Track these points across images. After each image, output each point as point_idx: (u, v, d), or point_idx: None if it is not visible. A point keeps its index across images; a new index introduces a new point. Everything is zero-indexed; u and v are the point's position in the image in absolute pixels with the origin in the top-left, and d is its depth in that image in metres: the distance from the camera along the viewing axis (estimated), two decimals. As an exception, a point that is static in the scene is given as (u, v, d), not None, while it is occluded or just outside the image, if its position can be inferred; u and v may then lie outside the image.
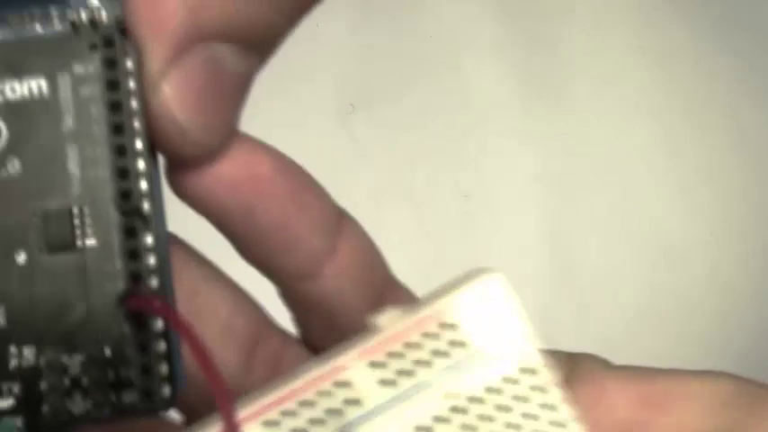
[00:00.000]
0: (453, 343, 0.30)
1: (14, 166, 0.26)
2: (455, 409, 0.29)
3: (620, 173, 0.69)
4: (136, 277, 0.26)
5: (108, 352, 0.26)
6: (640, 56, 0.69)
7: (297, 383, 0.28)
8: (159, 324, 0.25)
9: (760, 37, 0.66)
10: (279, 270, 0.31)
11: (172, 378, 0.25)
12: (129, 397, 0.26)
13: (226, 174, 0.28)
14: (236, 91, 0.28)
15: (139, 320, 0.26)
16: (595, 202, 0.69)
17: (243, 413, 0.27)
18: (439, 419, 0.29)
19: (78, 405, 0.26)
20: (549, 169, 0.70)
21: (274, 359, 0.32)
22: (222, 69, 0.27)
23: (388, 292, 0.33)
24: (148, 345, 0.25)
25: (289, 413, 0.28)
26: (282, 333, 0.33)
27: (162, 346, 0.25)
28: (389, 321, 0.29)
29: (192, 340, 0.21)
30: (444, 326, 0.30)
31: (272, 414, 0.27)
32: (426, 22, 0.72)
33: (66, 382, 0.26)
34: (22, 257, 0.26)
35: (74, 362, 0.26)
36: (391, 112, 0.71)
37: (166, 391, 0.25)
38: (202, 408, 0.27)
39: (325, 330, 0.31)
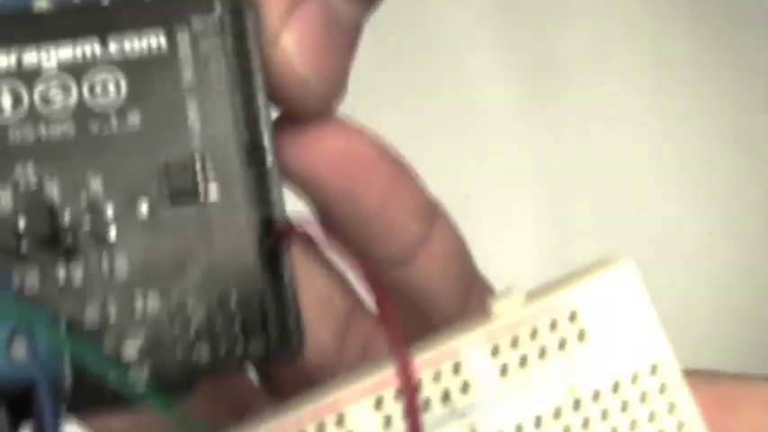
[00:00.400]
0: (580, 334, 0.29)
1: (135, 119, 0.26)
2: (577, 404, 0.29)
3: (622, 172, 0.69)
4: (269, 222, 0.25)
5: (234, 301, 0.25)
6: (641, 54, 0.70)
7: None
8: (288, 273, 0.25)
9: (763, 34, 0.67)
10: (374, 256, 0.31)
11: (299, 329, 0.25)
12: (257, 348, 0.25)
13: (329, 150, 0.28)
14: (350, 42, 0.28)
15: (270, 266, 0.25)
16: (597, 203, 0.70)
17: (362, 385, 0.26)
18: (559, 413, 0.29)
19: (204, 356, 0.25)
20: (550, 169, 0.70)
21: (366, 341, 0.32)
22: (337, 19, 0.27)
23: (474, 282, 0.33)
24: (280, 293, 0.25)
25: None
26: (373, 317, 0.33)
27: (290, 295, 0.25)
28: (511, 307, 0.29)
29: (367, 272, 0.20)
30: (571, 316, 0.29)
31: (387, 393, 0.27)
32: (427, 22, 0.72)
33: (192, 332, 0.25)
34: (144, 208, 0.26)
35: (199, 311, 0.26)
36: (392, 112, 0.71)
37: (296, 341, 0.25)
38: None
39: (409, 319, 0.31)
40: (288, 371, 0.30)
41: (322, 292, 0.30)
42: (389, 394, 0.27)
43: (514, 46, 0.72)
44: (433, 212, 0.31)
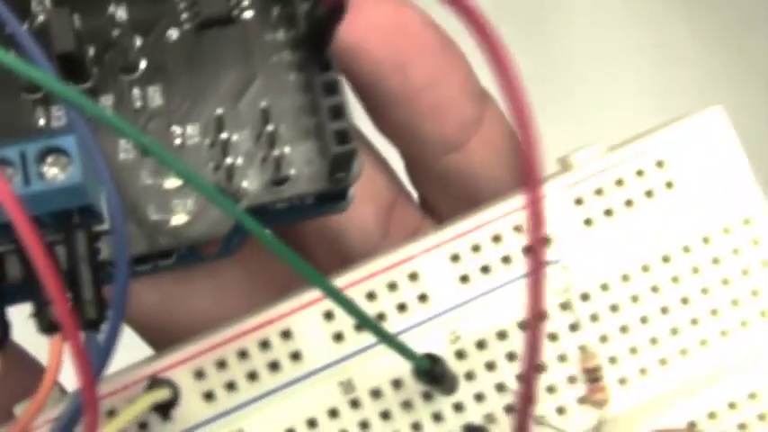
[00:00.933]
0: (668, 183, 0.27)
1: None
2: (665, 259, 0.27)
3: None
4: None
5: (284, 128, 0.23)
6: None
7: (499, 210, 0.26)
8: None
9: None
10: (426, 137, 0.28)
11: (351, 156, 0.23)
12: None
13: (377, 19, 0.26)
14: None
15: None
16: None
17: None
18: (647, 269, 0.26)
19: (253, 183, 0.23)
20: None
21: (410, 226, 0.30)
22: None
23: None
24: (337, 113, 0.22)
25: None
26: (417, 204, 0.31)
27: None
28: (592, 156, 0.27)
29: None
30: (658, 163, 0.27)
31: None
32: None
33: (240, 160, 0.23)
34: (174, 33, 0.23)
35: (242, 138, 0.23)
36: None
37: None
38: None
39: (460, 209, 0.28)
40: (329, 248, 0.28)
41: (366, 172, 0.27)
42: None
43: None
44: (483, 94, 0.29)
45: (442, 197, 0.30)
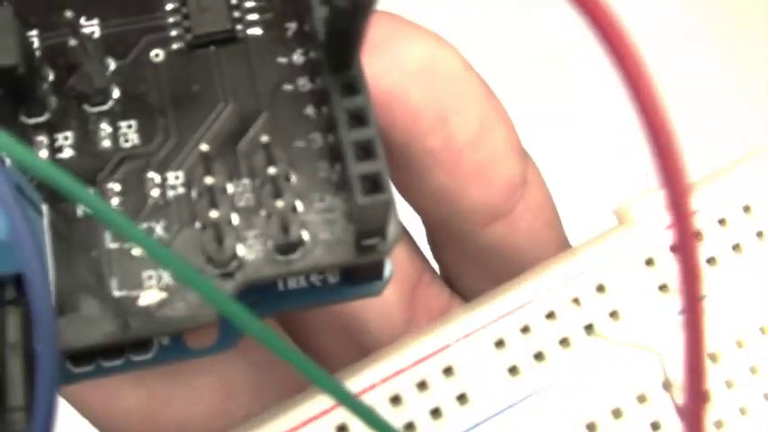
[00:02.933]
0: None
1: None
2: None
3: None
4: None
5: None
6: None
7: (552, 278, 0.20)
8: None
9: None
10: (470, 203, 0.23)
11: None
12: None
13: (413, 62, 0.20)
14: None
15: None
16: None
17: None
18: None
19: (253, 249, 0.16)
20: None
21: (436, 309, 0.25)
22: None
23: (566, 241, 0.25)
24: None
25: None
26: (440, 279, 0.25)
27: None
28: (651, 207, 0.21)
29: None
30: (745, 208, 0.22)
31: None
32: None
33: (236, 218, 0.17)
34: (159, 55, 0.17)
35: (240, 190, 0.17)
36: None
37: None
38: None
39: (496, 281, 0.23)
40: (344, 336, 0.23)
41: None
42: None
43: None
44: (524, 149, 0.23)
45: (478, 273, 0.24)
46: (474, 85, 0.21)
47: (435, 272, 0.25)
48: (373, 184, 0.15)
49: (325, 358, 0.24)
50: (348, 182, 0.16)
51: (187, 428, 0.21)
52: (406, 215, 0.23)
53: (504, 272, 0.23)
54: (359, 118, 0.16)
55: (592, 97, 0.54)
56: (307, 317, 0.23)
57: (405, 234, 0.24)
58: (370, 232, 0.16)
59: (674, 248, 0.21)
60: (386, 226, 0.16)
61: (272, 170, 0.16)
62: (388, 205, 0.15)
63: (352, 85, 0.16)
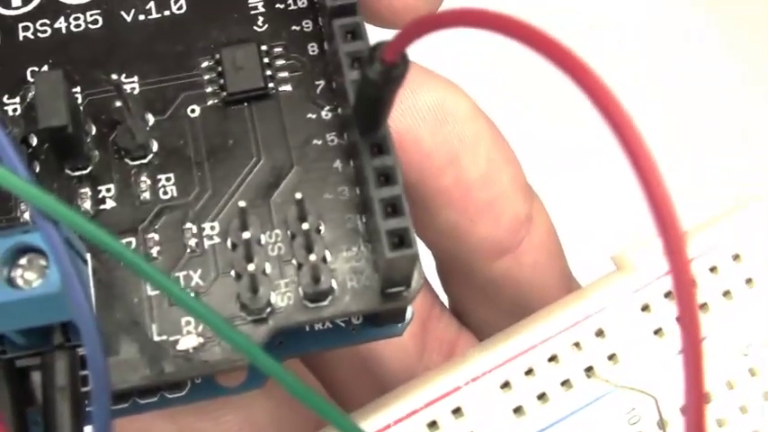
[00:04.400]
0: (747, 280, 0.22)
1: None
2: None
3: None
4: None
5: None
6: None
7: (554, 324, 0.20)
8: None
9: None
10: (478, 239, 0.23)
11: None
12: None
13: (425, 105, 0.21)
14: None
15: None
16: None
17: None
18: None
19: (285, 297, 0.17)
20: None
21: (447, 341, 0.25)
22: None
23: (571, 278, 0.26)
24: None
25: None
26: (449, 313, 0.26)
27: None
28: (651, 255, 0.21)
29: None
30: (734, 257, 0.22)
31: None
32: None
33: (269, 267, 0.17)
34: (195, 111, 0.18)
35: (273, 241, 0.17)
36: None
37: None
38: None
39: (504, 318, 0.23)
40: (361, 371, 0.23)
41: None
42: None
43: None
44: (530, 188, 0.24)
45: (486, 305, 0.25)
46: (483, 127, 0.22)
47: (444, 305, 0.26)
48: (400, 239, 0.16)
49: (343, 389, 0.24)
50: (376, 236, 0.16)
51: None
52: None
53: (510, 303, 0.24)
54: (387, 177, 0.16)
55: (595, 141, 0.54)
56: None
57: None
58: (396, 282, 0.16)
59: (669, 294, 0.22)
60: (411, 276, 0.16)
61: (305, 225, 0.16)
62: (415, 259, 0.16)
63: (381, 145, 0.16)
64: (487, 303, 0.25)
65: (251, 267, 0.16)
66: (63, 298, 0.13)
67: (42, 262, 0.13)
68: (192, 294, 0.16)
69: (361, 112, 0.16)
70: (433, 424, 0.20)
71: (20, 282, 0.13)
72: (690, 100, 0.58)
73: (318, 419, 0.21)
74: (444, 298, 0.26)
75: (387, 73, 0.14)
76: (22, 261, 0.13)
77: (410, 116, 0.21)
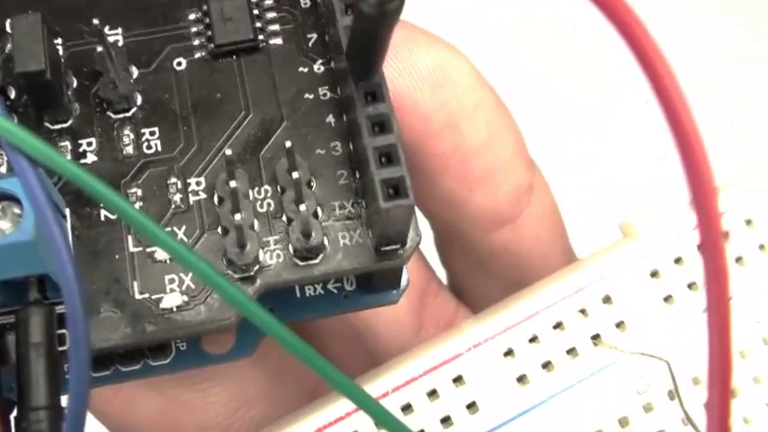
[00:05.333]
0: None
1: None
2: None
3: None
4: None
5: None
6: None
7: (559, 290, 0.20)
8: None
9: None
10: (477, 208, 0.22)
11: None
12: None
13: (425, 68, 0.20)
14: None
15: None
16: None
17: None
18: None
19: (274, 255, 0.16)
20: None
21: (444, 317, 0.25)
22: None
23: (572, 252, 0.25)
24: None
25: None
26: (447, 289, 0.25)
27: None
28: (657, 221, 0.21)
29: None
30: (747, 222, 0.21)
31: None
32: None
33: (257, 223, 0.16)
34: (182, 63, 0.17)
35: (261, 196, 0.16)
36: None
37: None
38: None
39: (503, 293, 0.23)
40: (353, 344, 0.23)
41: None
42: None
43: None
44: (531, 159, 0.23)
45: (485, 279, 0.24)
46: (484, 94, 0.21)
47: (442, 282, 0.25)
48: (395, 190, 0.15)
49: (338, 364, 0.23)
50: (370, 188, 0.15)
51: None
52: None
53: (510, 277, 0.23)
54: (381, 125, 0.15)
55: (599, 109, 0.54)
56: (319, 323, 0.22)
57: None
58: (390, 238, 0.16)
59: (679, 260, 0.21)
60: (407, 231, 0.16)
61: (295, 175, 0.15)
62: (410, 209, 0.15)
63: (375, 92, 0.16)
64: (486, 277, 0.24)
65: (238, 218, 0.15)
66: (38, 247, 0.13)
67: (17, 210, 0.13)
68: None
69: (354, 55, 0.15)
70: (432, 393, 0.19)
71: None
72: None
73: (312, 391, 0.20)
74: (443, 277, 0.26)
75: (381, 6, 0.14)
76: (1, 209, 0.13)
77: (408, 77, 0.20)
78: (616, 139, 0.48)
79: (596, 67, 0.51)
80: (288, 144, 0.16)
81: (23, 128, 0.13)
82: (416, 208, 0.22)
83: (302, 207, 0.15)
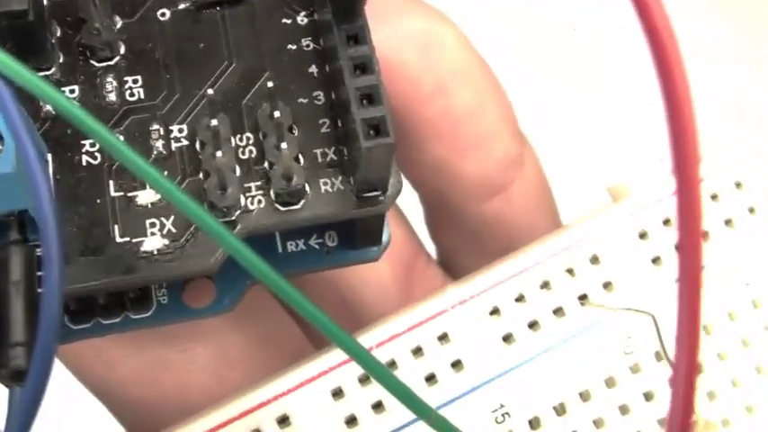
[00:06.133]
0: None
1: None
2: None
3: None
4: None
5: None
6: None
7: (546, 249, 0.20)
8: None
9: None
10: (467, 176, 0.22)
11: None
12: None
13: (411, 31, 0.20)
14: None
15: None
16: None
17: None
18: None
19: (254, 200, 0.16)
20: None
21: (432, 290, 0.24)
22: None
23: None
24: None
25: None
26: (436, 264, 0.25)
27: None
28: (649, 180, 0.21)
29: None
30: (736, 185, 0.22)
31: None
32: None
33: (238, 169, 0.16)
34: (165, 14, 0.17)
35: (242, 144, 0.16)
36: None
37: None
38: None
39: (490, 259, 0.23)
40: (339, 312, 0.22)
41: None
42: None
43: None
44: (520, 130, 0.23)
45: (474, 251, 0.24)
46: (472, 60, 0.21)
47: (431, 257, 0.25)
48: (376, 129, 0.15)
49: (317, 331, 0.23)
50: (351, 129, 0.16)
51: (185, 394, 0.21)
52: (404, 200, 0.23)
53: (500, 250, 0.23)
54: (363, 67, 0.16)
55: (601, 109, 0.54)
56: (304, 289, 0.22)
57: (402, 217, 0.24)
58: (371, 182, 0.16)
59: (668, 221, 0.21)
60: (388, 175, 0.16)
61: (276, 114, 0.16)
62: (391, 148, 0.15)
63: (357, 35, 0.16)
64: (476, 249, 0.24)
65: (219, 156, 0.16)
66: (18, 181, 0.13)
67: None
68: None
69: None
70: (417, 350, 0.19)
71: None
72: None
73: (290, 359, 0.20)
74: (432, 253, 0.26)
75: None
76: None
77: (395, 39, 0.20)
78: (615, 140, 0.48)
79: (595, 67, 0.51)
80: (270, 84, 0.16)
81: (10, 56, 0.13)
82: (405, 178, 0.22)
83: (283, 145, 0.16)
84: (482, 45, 0.23)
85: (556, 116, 0.51)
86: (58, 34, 0.17)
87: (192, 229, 0.16)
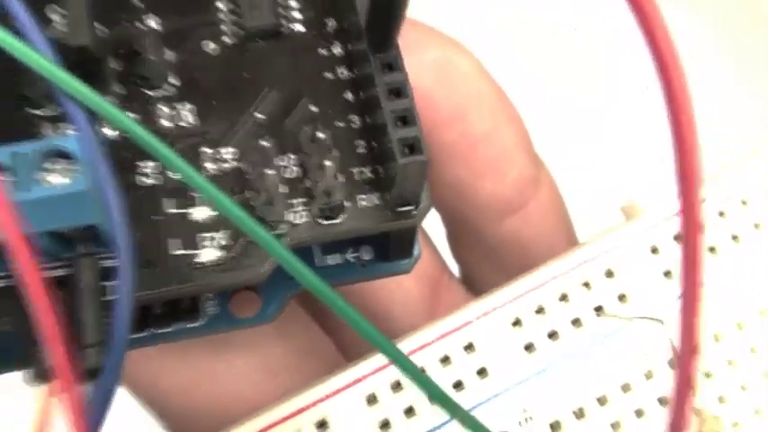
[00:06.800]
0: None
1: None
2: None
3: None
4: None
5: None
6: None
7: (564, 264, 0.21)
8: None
9: None
10: (484, 197, 0.24)
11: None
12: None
13: (431, 60, 0.22)
14: None
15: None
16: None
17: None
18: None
19: (298, 215, 0.18)
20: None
21: (454, 306, 0.26)
22: None
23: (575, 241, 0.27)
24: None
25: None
26: (459, 282, 0.27)
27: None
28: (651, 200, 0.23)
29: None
30: (742, 202, 0.23)
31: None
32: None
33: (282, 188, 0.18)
34: (212, 47, 0.19)
35: (286, 164, 0.18)
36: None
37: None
38: None
39: (509, 276, 0.24)
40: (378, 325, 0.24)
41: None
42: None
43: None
44: (536, 152, 0.24)
45: (494, 268, 0.26)
46: (487, 85, 0.23)
47: (453, 274, 0.27)
48: (411, 148, 0.17)
49: (349, 345, 0.25)
50: (388, 149, 0.17)
51: (229, 404, 0.22)
52: (428, 222, 0.24)
53: (519, 267, 0.25)
54: (397, 91, 0.17)
55: (601, 109, 0.55)
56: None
57: (426, 238, 0.25)
58: (405, 198, 0.17)
59: (679, 237, 0.22)
60: (420, 190, 0.17)
61: (320, 135, 0.17)
62: (425, 165, 0.17)
63: (392, 63, 0.18)
64: (496, 266, 0.26)
65: (269, 174, 0.17)
66: (91, 199, 0.14)
67: (72, 166, 0.14)
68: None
69: (373, 27, 0.17)
70: (445, 359, 0.20)
71: (50, 181, 0.14)
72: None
73: (326, 367, 0.22)
74: (455, 271, 0.27)
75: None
76: (53, 165, 0.14)
77: (417, 68, 0.22)
78: (616, 140, 0.49)
79: (596, 68, 0.52)
80: (312, 109, 0.17)
81: (85, 84, 0.14)
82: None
83: (327, 163, 0.17)
84: (482, 46, 0.25)
85: (556, 116, 0.52)
86: (114, 65, 0.19)
87: (242, 241, 0.17)
